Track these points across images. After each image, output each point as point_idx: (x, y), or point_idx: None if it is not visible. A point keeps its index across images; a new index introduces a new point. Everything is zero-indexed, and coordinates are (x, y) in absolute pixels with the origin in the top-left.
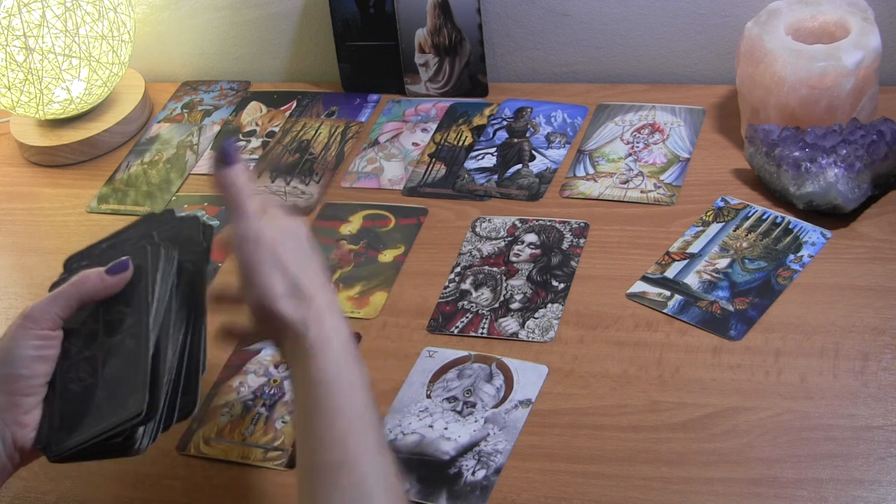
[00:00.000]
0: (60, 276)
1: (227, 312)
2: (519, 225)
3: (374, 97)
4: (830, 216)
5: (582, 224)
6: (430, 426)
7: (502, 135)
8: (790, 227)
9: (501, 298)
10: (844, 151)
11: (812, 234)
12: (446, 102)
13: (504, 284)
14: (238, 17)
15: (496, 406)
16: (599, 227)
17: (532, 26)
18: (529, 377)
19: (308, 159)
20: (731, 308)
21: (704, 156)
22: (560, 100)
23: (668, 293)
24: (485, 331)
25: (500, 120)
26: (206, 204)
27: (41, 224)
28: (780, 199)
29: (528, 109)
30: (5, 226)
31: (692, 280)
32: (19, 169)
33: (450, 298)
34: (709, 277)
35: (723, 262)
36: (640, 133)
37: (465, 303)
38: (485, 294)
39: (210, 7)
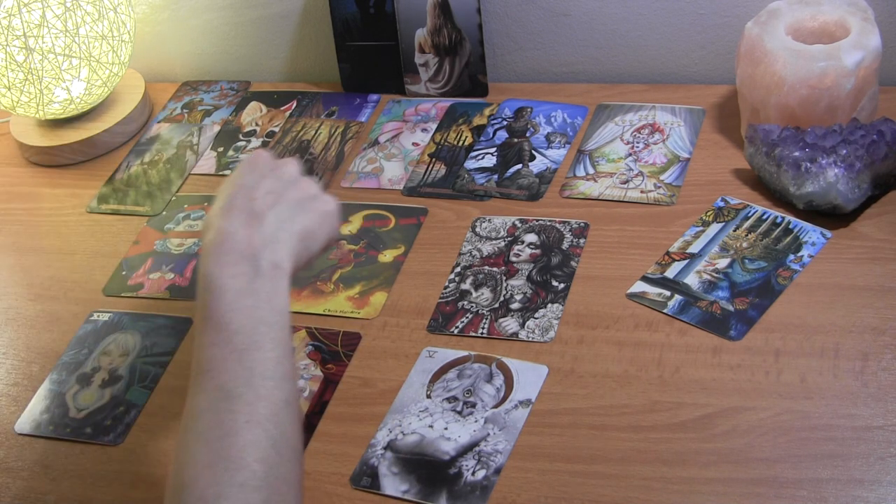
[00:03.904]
0: None
1: None
2: (519, 225)
3: (374, 97)
4: (830, 216)
5: (582, 224)
6: (430, 426)
7: (502, 135)
8: (790, 227)
9: (501, 298)
10: (844, 151)
11: (812, 234)
12: (446, 102)
13: (504, 284)
14: (238, 17)
15: (496, 406)
16: (599, 227)
17: (532, 26)
18: (529, 377)
19: (308, 159)
20: (731, 308)
21: (704, 156)
22: (560, 100)
23: (668, 293)
24: (485, 331)
25: (500, 120)
26: (206, 203)
27: (41, 224)
28: (780, 199)
29: (528, 109)
30: (5, 226)
31: (692, 280)
32: (19, 169)
33: (450, 298)
34: (709, 277)
35: (723, 262)
36: (640, 133)
37: (465, 303)
38: (485, 294)
39: (210, 7)
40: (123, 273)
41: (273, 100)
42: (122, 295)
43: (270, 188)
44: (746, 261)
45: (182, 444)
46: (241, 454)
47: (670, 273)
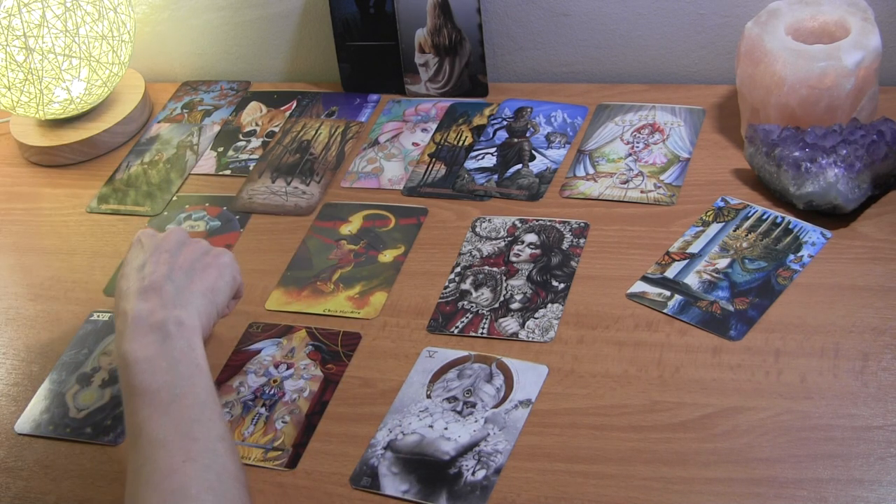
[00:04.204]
0: None
1: None
2: (519, 225)
3: (374, 97)
4: (830, 216)
5: (582, 224)
6: (430, 426)
7: (502, 135)
8: (790, 227)
9: (501, 298)
10: (844, 151)
11: (812, 234)
12: (446, 102)
13: (504, 284)
14: (238, 17)
15: (496, 406)
16: (599, 227)
17: (532, 26)
18: (529, 377)
19: (309, 159)
20: (731, 308)
21: (704, 156)
22: (560, 100)
23: (668, 293)
24: (485, 331)
25: (500, 120)
26: (207, 204)
27: (41, 224)
28: (780, 199)
29: (528, 109)
30: (5, 226)
31: (692, 280)
32: (19, 169)
33: (450, 298)
34: (709, 277)
35: (723, 262)
36: (640, 133)
37: (465, 303)
38: (485, 294)
39: (210, 7)
40: None
41: (273, 100)
42: None
43: (158, 261)
44: (746, 261)
45: (130, 498)
46: (187, 487)
47: (670, 273)
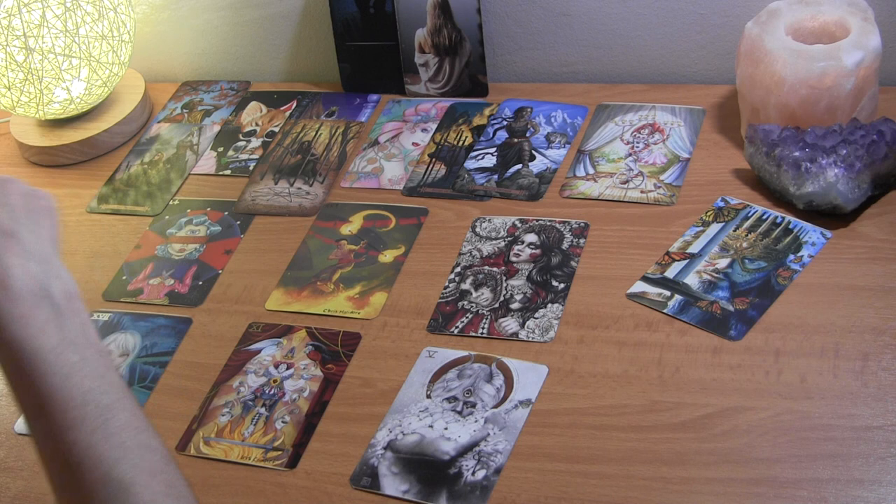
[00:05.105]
0: None
1: None
2: (519, 225)
3: (374, 97)
4: (830, 216)
5: (582, 224)
6: (430, 426)
7: (502, 135)
8: (790, 227)
9: (501, 298)
10: (844, 151)
11: (812, 234)
12: (446, 102)
13: (504, 284)
14: (238, 17)
15: (496, 406)
16: (599, 227)
17: (532, 26)
18: (529, 377)
19: (311, 160)
20: (731, 308)
21: (704, 156)
22: (560, 100)
23: (668, 293)
24: (485, 331)
25: (500, 120)
26: (209, 209)
27: None
28: (780, 199)
29: (528, 109)
30: None
31: (692, 280)
32: (19, 169)
33: (450, 298)
34: (709, 277)
35: (723, 262)
36: (640, 133)
37: (465, 303)
38: (485, 294)
39: (210, 7)
40: (124, 278)
41: (273, 100)
42: (121, 300)
43: None
44: (746, 261)
45: None
46: None
47: (670, 273)
